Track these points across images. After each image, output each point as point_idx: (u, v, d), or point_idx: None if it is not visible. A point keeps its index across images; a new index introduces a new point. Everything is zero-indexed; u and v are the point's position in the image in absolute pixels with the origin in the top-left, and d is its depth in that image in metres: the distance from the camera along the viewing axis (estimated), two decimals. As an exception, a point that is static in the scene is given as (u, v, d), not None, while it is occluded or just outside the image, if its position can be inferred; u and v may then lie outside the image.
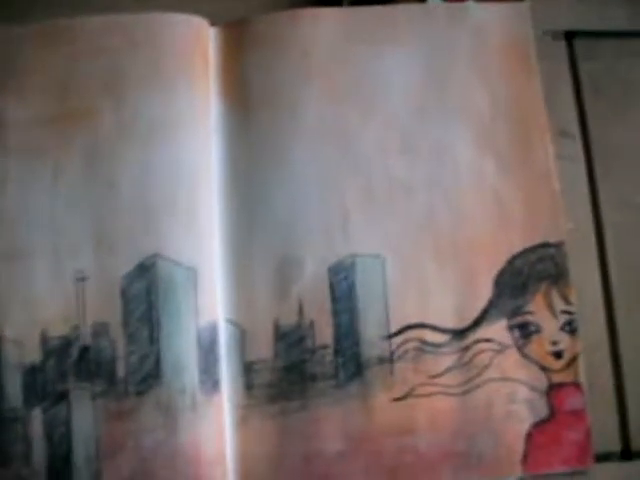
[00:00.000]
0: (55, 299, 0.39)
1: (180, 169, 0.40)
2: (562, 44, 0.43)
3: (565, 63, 0.43)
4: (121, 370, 0.38)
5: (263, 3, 0.43)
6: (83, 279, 0.39)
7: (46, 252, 0.40)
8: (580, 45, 0.43)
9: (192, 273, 0.39)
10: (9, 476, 0.38)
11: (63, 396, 0.39)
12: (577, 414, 0.38)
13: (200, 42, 0.42)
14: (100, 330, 0.39)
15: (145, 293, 0.39)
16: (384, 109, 0.40)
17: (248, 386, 0.39)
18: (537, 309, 0.38)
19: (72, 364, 0.39)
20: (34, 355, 0.39)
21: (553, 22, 0.43)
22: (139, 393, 0.38)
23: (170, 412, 0.38)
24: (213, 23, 0.42)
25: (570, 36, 0.43)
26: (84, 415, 0.38)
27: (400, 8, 0.41)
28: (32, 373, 0.39)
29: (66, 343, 0.39)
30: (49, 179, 0.41)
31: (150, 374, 0.38)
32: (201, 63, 0.41)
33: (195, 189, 0.40)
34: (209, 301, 0.39)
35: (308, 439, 0.38)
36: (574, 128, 0.42)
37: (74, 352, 0.39)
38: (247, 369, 0.39)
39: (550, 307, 0.38)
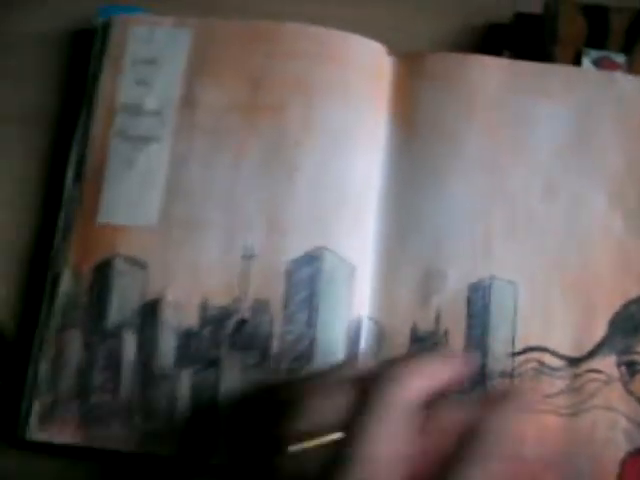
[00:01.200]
0: (221, 271, 0.38)
1: (351, 175, 0.39)
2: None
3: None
4: (275, 346, 0.37)
5: (429, 37, 0.44)
6: (251, 256, 0.38)
7: (220, 227, 0.38)
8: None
9: (351, 270, 0.38)
10: (151, 430, 0.36)
11: (214, 363, 0.37)
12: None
13: (378, 67, 0.41)
14: (260, 307, 0.37)
15: (309, 280, 0.38)
16: (532, 154, 0.40)
17: (381, 379, 0.39)
18: (644, 351, 0.39)
19: (228, 334, 0.37)
20: (192, 320, 0.37)
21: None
22: (290, 370, 0.37)
23: (316, 392, 0.37)
24: (389, 51, 0.42)
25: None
26: (233, 383, 0.36)
27: (557, 67, 0.41)
28: (187, 337, 0.37)
29: (225, 314, 0.37)
30: (231, 160, 0.39)
31: (303, 354, 0.37)
32: (378, 85, 0.41)
33: (362, 196, 0.39)
34: (360, 298, 0.38)
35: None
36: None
37: (231, 323, 0.37)
38: (382, 364, 0.39)
39: (656, 351, 0.39)
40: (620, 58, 0.42)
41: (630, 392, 0.38)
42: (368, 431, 0.28)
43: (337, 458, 0.28)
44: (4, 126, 0.43)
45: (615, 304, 0.39)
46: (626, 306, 0.39)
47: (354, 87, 0.40)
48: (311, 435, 0.28)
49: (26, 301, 0.40)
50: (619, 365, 0.39)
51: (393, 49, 0.42)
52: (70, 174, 0.40)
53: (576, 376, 0.38)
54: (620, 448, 0.38)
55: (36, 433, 0.37)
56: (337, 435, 0.28)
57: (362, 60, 0.41)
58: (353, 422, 0.28)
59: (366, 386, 0.29)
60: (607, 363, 0.38)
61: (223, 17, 0.42)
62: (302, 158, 0.39)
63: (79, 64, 0.43)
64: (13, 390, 0.38)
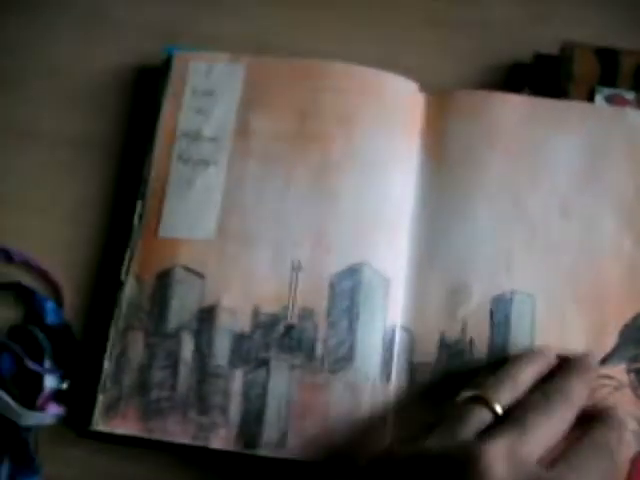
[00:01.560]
0: (271, 281, 0.41)
1: (387, 198, 0.43)
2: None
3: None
4: (319, 350, 0.40)
5: (458, 75, 0.48)
6: (299, 269, 0.42)
7: (270, 241, 0.42)
8: None
9: (387, 283, 0.42)
10: (207, 422, 0.40)
11: (264, 363, 0.40)
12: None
13: (412, 102, 0.45)
14: (306, 314, 0.41)
15: (350, 291, 0.41)
16: (549, 181, 0.44)
17: (411, 383, 0.41)
18: (652, 360, 0.42)
19: (277, 338, 0.41)
20: (244, 325, 0.41)
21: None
22: (332, 371, 0.40)
23: (355, 391, 0.40)
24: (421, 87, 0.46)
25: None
26: (281, 381, 0.40)
27: (572, 104, 0.45)
28: (240, 339, 0.41)
29: (274, 319, 0.41)
30: (281, 183, 0.43)
31: (344, 357, 0.40)
32: (411, 118, 0.45)
33: (397, 217, 0.43)
34: (395, 308, 0.42)
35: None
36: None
37: (280, 328, 0.41)
38: (413, 369, 0.41)
39: (663, 361, 0.42)
40: (630, 95, 0.45)
41: (639, 396, 0.41)
42: (568, 398, 0.35)
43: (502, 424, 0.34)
44: (74, 150, 0.47)
45: (625, 316, 0.42)
46: (636, 318, 0.42)
47: (390, 120, 0.44)
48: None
49: (92, 307, 0.44)
50: (629, 372, 0.42)
51: (425, 86, 0.46)
52: (135, 193, 0.44)
53: (589, 381, 0.42)
54: (629, 447, 0.40)
55: (100, 425, 0.40)
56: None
57: (397, 96, 0.45)
58: (554, 389, 0.35)
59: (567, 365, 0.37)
60: (618, 370, 0.41)
61: (274, 55, 0.46)
62: (344, 183, 0.43)
63: (143, 96, 0.48)
64: (82, 386, 0.41)
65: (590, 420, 0.37)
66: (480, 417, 0.34)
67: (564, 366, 0.38)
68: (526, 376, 0.36)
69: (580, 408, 0.36)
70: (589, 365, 0.38)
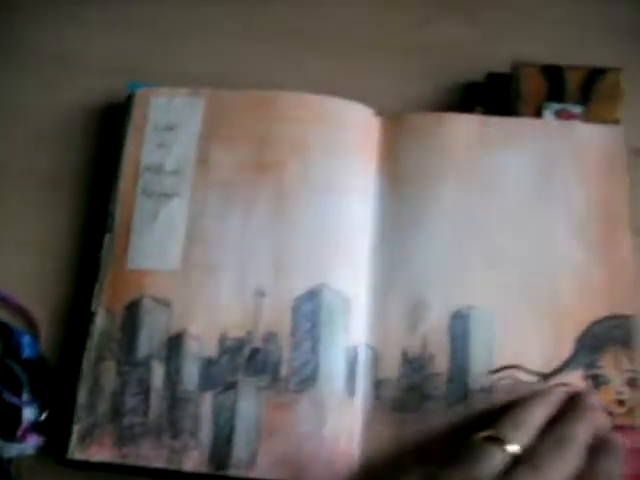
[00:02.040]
0: (235, 308, 0.43)
1: (345, 221, 0.45)
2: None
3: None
4: (284, 371, 0.42)
5: (413, 97, 0.49)
6: (261, 294, 0.43)
7: (233, 268, 0.44)
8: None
9: (347, 303, 0.43)
10: (179, 445, 0.41)
11: (232, 386, 0.42)
12: (634, 452, 0.41)
13: (367, 127, 0.47)
14: (270, 337, 0.43)
15: (311, 314, 0.43)
16: (501, 196, 0.45)
17: (377, 398, 0.42)
18: (607, 365, 0.42)
19: (243, 361, 0.42)
20: (212, 350, 0.43)
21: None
22: (297, 391, 0.42)
23: (320, 409, 0.41)
24: (377, 112, 0.47)
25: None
26: (248, 403, 0.41)
27: (521, 120, 0.47)
28: (208, 365, 0.42)
29: (240, 344, 0.43)
30: (241, 211, 0.45)
31: (308, 377, 0.42)
32: (367, 142, 0.47)
33: (355, 238, 0.45)
34: (356, 327, 0.43)
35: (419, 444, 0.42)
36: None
37: (246, 352, 0.42)
38: (377, 385, 0.42)
39: (618, 365, 0.42)
40: (577, 109, 0.47)
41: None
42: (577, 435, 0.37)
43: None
44: (44, 186, 0.48)
45: (581, 325, 0.43)
46: (590, 327, 0.43)
47: (346, 144, 0.46)
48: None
49: (66, 338, 0.45)
50: (585, 378, 0.43)
51: (380, 110, 0.47)
52: (104, 227, 0.46)
53: (547, 389, 0.43)
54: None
55: (76, 453, 0.42)
56: None
57: (352, 121, 0.47)
58: (563, 437, 0.37)
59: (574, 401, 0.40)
60: (575, 377, 0.43)
61: (231, 87, 0.47)
62: (301, 208, 0.45)
63: (109, 133, 0.49)
64: (59, 415, 0.43)
65: (595, 447, 0.38)
66: (497, 457, 0.36)
67: (570, 407, 0.39)
68: (539, 418, 0.38)
69: (587, 444, 0.38)
70: (591, 406, 0.39)
